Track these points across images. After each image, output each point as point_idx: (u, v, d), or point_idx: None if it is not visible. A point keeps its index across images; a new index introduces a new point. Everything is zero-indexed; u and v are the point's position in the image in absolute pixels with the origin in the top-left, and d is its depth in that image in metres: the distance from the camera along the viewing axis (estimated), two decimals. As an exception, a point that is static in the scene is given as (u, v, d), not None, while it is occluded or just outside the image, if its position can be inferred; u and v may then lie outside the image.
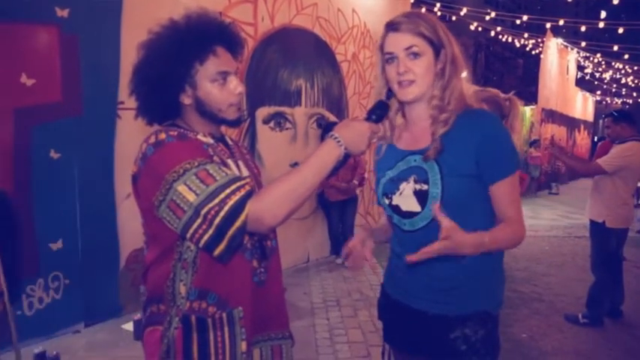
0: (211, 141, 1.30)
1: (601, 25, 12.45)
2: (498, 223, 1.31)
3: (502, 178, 1.29)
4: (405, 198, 1.34)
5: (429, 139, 1.33)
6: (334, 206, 5.35)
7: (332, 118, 5.54)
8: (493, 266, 1.38)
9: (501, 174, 1.29)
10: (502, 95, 2.34)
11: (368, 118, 1.29)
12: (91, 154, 3.38)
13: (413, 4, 7.89)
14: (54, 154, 3.19)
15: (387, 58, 1.33)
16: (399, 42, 1.30)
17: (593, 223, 3.89)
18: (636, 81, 20.08)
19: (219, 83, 1.27)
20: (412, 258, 1.17)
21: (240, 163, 1.37)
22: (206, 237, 1.12)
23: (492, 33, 14.25)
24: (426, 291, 1.35)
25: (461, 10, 11.46)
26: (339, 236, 5.44)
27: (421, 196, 1.31)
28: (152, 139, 1.20)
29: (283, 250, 4.84)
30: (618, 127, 3.92)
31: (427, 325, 1.35)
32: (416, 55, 1.29)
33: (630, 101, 28.24)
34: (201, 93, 1.26)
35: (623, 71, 18.67)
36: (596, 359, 3.32)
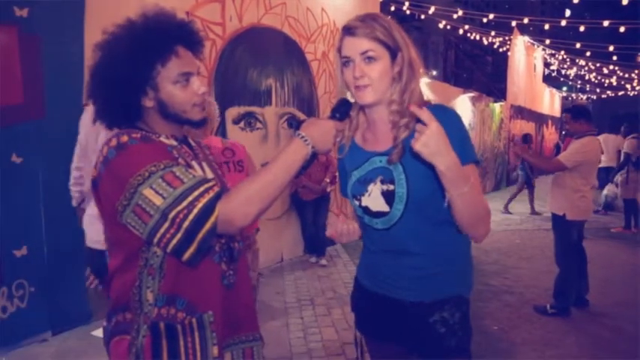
0: (174, 143, 1.27)
1: (563, 23, 12.79)
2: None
3: None
4: (374, 199, 1.36)
5: (392, 140, 1.35)
6: (307, 205, 5.34)
7: (303, 117, 5.53)
8: (463, 251, 1.44)
9: None
10: None
11: (332, 117, 1.31)
12: (56, 157, 3.27)
13: (382, 3, 7.94)
14: (16, 158, 3.09)
15: (344, 62, 1.34)
16: (355, 46, 1.30)
17: (554, 216, 4.02)
18: (599, 77, 20.71)
19: (181, 84, 1.23)
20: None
21: (205, 164, 1.35)
22: (174, 241, 1.09)
23: (461, 31, 14.46)
24: (402, 280, 1.39)
25: (429, 8, 11.59)
26: (312, 235, 5.44)
27: (388, 197, 1.34)
28: (114, 142, 1.15)
29: (255, 251, 4.63)
30: (577, 124, 4.05)
31: (406, 313, 1.39)
32: (371, 59, 1.29)
33: (594, 97, 29.11)
34: (163, 95, 1.23)
35: (586, 68, 19.23)
36: (564, 348, 3.40)
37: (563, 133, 18.00)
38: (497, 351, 3.32)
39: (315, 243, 5.42)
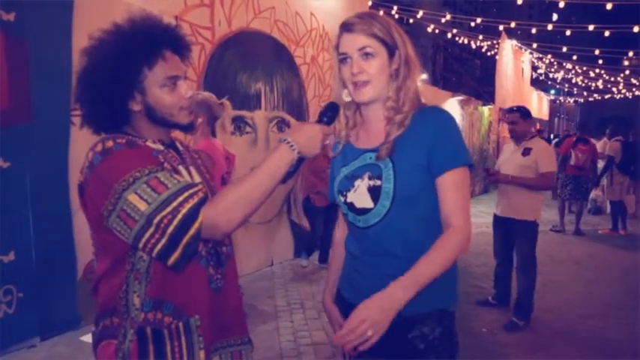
0: (161, 147, 1.27)
1: (550, 27, 12.94)
2: (444, 229, 1.27)
3: (448, 169, 1.28)
4: (359, 195, 1.35)
5: (384, 138, 1.34)
6: (320, 212, 5.22)
7: (293, 121, 5.55)
8: None
9: (448, 165, 1.28)
10: (215, 99, 2.57)
11: (319, 121, 1.31)
12: (44, 162, 3.26)
13: (371, 7, 7.99)
14: (3, 163, 3.06)
15: (341, 58, 1.34)
16: (353, 43, 1.30)
17: (522, 222, 3.76)
18: (586, 81, 20.97)
19: (169, 88, 1.24)
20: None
21: (192, 168, 1.35)
22: (159, 246, 1.10)
23: (449, 35, 14.58)
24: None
25: (418, 12, 11.69)
26: (324, 241, 5.34)
27: (374, 192, 1.32)
28: (99, 147, 1.16)
29: (247, 255, 4.78)
30: (525, 124, 3.93)
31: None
32: (369, 55, 1.30)
33: (582, 100, 29.46)
34: (150, 99, 1.24)
35: (573, 71, 19.47)
36: (554, 350, 3.44)
37: (552, 135, 18.08)
38: (488, 353, 3.35)
39: (324, 249, 5.33)
